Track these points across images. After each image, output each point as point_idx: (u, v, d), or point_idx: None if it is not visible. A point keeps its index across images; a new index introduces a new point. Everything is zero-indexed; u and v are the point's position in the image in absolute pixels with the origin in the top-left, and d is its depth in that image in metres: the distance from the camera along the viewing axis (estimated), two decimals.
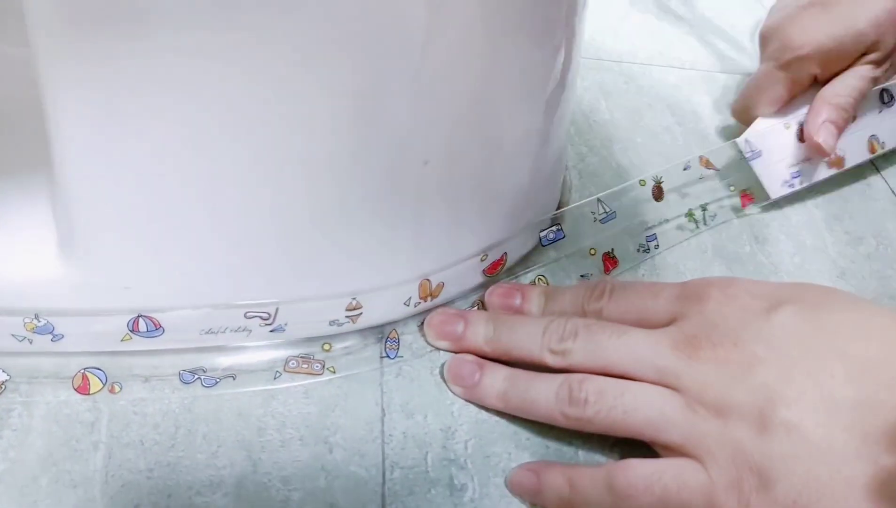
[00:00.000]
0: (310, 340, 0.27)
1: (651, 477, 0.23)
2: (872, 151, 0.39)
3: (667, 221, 0.35)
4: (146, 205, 0.23)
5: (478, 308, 0.30)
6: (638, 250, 0.34)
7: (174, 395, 0.26)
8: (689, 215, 0.35)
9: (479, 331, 0.28)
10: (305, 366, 0.27)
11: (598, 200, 0.33)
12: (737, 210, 0.36)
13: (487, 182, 0.28)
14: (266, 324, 0.26)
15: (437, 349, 0.28)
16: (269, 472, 0.24)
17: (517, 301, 0.30)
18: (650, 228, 0.34)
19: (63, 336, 0.25)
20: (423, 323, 0.29)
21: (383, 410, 0.27)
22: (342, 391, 0.27)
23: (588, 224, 0.33)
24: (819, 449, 0.22)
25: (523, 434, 0.27)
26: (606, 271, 0.33)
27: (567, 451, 0.26)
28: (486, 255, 0.30)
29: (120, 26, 0.19)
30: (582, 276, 0.32)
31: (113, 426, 0.25)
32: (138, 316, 0.25)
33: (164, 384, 0.26)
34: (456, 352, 0.28)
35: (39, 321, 0.25)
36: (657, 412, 0.24)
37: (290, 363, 0.27)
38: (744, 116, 0.38)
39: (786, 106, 0.38)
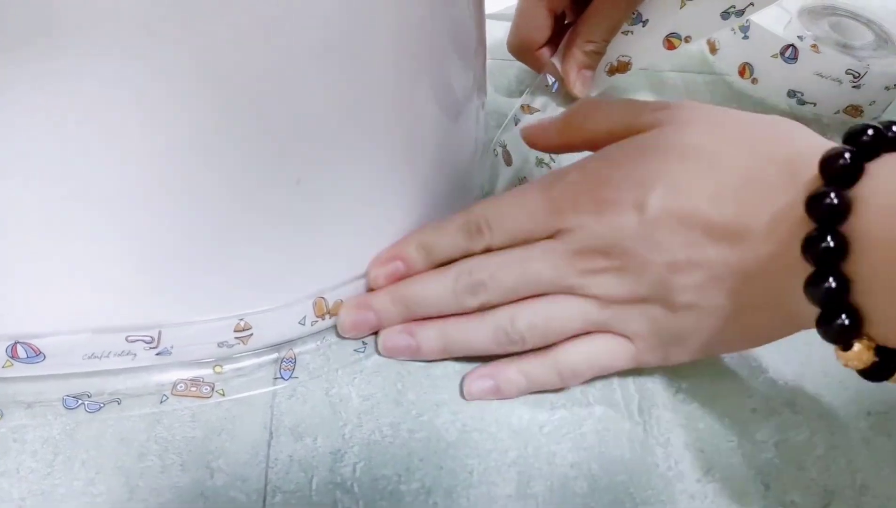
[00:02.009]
0: (200, 362, 0.27)
1: (590, 359, 0.28)
2: (671, 47, 0.39)
3: None
4: (13, 231, 0.23)
5: None
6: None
7: (56, 421, 0.25)
8: (538, 161, 0.36)
9: (392, 314, 0.29)
10: (194, 389, 0.27)
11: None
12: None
13: (375, 203, 0.27)
14: (150, 348, 0.26)
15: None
16: (145, 499, 0.24)
17: (400, 266, 0.29)
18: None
19: None
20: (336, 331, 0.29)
21: (271, 433, 0.26)
22: (230, 415, 0.26)
23: None
24: (717, 318, 0.27)
25: (416, 456, 0.26)
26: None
27: (461, 473, 0.26)
28: None
29: None
30: None
31: None
32: (15, 342, 0.25)
33: (47, 409, 0.25)
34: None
35: None
36: (583, 322, 0.28)
37: (179, 387, 0.27)
38: (520, 53, 0.40)
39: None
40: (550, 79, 0.38)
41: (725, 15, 0.38)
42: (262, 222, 0.25)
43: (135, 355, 0.26)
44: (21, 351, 0.25)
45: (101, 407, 0.26)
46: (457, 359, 0.29)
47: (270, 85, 0.22)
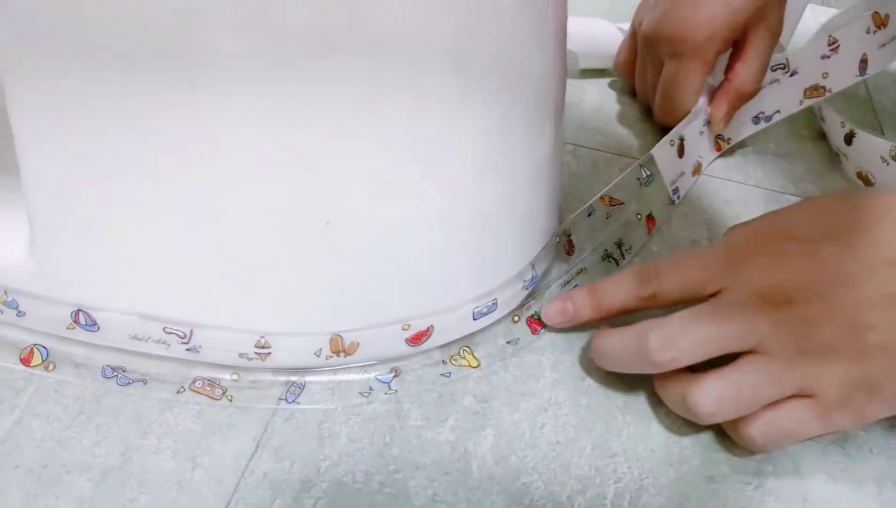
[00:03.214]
0: (222, 366, 0.30)
1: (769, 426, 0.28)
2: (719, 149, 0.43)
3: (682, 173, 0.40)
4: (88, 218, 0.27)
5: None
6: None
7: (92, 385, 0.29)
8: (605, 255, 0.36)
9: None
10: (209, 389, 0.30)
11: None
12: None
13: (405, 251, 0.29)
14: (182, 342, 0.29)
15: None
16: (133, 473, 0.27)
17: (569, 306, 0.32)
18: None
19: (25, 314, 0.30)
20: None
21: (257, 447, 0.28)
22: (230, 420, 0.29)
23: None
24: None
25: None
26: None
27: None
28: (409, 325, 0.30)
29: (74, 63, 0.24)
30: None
31: (34, 397, 0.29)
32: (79, 310, 0.29)
33: (89, 373, 0.30)
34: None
35: (7, 297, 0.30)
36: (773, 384, 0.28)
37: (197, 383, 0.30)
38: (668, 118, 0.42)
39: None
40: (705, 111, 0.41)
41: (756, 120, 0.42)
42: (288, 256, 0.27)
43: (168, 345, 0.29)
44: (82, 318, 0.29)
45: (129, 383, 0.29)
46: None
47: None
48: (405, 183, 0.27)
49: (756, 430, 0.28)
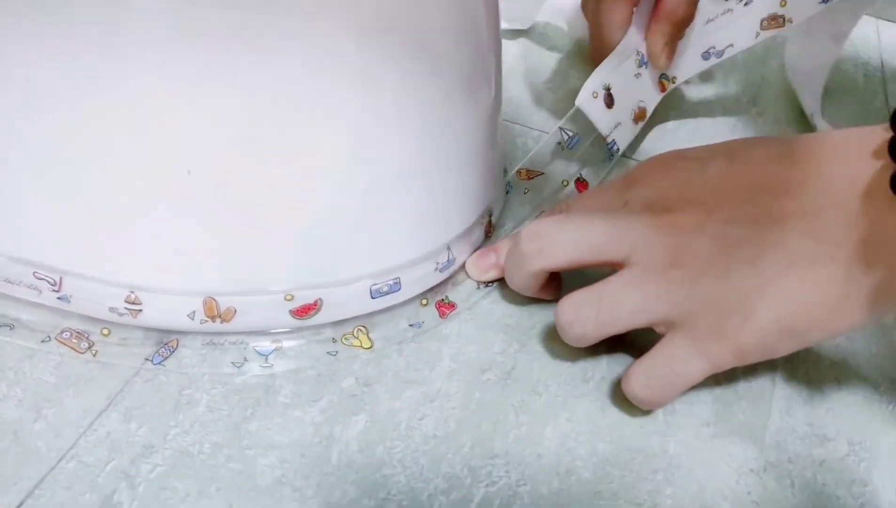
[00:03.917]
0: (94, 320, 0.28)
1: (650, 375, 0.27)
2: (663, 89, 0.39)
3: (619, 124, 0.36)
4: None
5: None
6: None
7: None
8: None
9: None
10: (75, 341, 0.28)
11: (560, 128, 0.35)
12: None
13: (280, 212, 0.27)
14: (53, 290, 0.28)
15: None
16: None
17: (492, 257, 0.32)
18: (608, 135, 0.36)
19: None
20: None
21: (109, 405, 0.26)
22: (89, 375, 0.27)
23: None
24: (782, 266, 0.25)
25: (217, 484, 0.25)
26: None
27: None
28: (293, 296, 0.28)
29: None
30: None
31: None
32: None
33: None
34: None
35: None
36: (638, 297, 0.27)
37: (64, 334, 0.28)
38: (599, 58, 0.37)
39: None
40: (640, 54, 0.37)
41: (706, 55, 0.38)
42: (162, 205, 0.26)
43: (40, 291, 0.28)
44: None
45: None
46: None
47: None
48: (274, 135, 0.25)
49: (635, 381, 0.27)
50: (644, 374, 0.27)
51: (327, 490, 0.25)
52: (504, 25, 0.45)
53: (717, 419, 0.28)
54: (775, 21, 0.37)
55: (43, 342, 0.28)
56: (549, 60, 0.46)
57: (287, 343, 0.29)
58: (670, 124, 0.42)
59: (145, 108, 0.24)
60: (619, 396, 0.28)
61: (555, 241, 0.28)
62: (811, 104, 0.41)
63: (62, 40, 0.23)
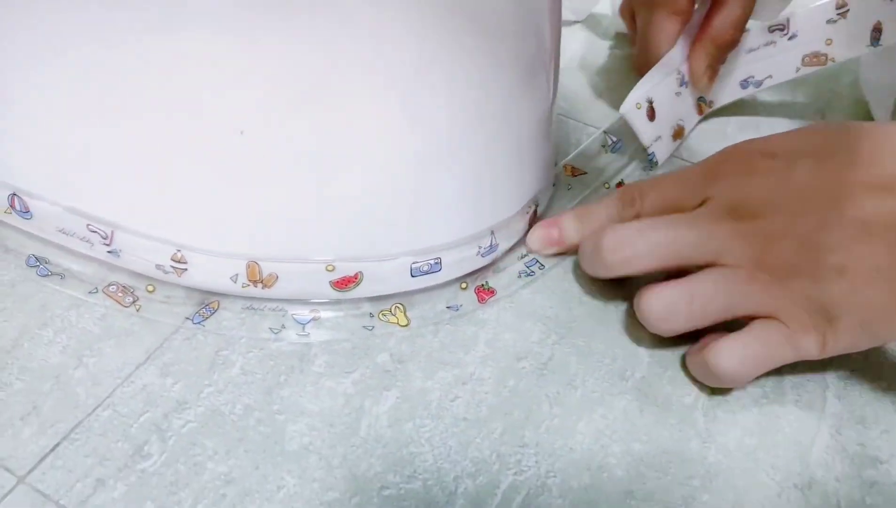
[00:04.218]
0: (141, 276, 0.29)
1: (743, 352, 0.27)
2: (700, 112, 0.39)
3: (659, 137, 0.36)
4: (26, 104, 0.27)
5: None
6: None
7: (14, 271, 0.29)
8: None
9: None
10: (120, 295, 0.29)
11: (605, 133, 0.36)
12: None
13: (328, 179, 0.26)
14: (104, 243, 0.29)
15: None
16: (18, 359, 0.26)
17: (554, 232, 0.32)
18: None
19: None
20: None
21: (147, 359, 0.27)
22: (130, 328, 0.28)
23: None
24: (867, 279, 0.25)
25: (245, 446, 0.25)
26: None
27: (271, 484, 0.24)
28: (334, 267, 0.28)
29: None
30: None
31: None
32: (14, 194, 0.29)
33: (15, 260, 0.29)
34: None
35: None
36: (727, 295, 0.27)
37: (111, 288, 0.29)
38: (649, 67, 0.38)
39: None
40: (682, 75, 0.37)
41: (745, 84, 0.38)
42: (212, 165, 0.26)
43: (92, 244, 0.29)
44: (17, 203, 0.29)
45: (48, 275, 0.29)
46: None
47: None
48: (328, 99, 0.25)
49: (728, 356, 0.27)
50: (738, 351, 0.27)
51: (353, 461, 0.25)
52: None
53: (762, 431, 0.27)
54: (817, 59, 0.37)
55: (90, 293, 0.29)
56: (606, 54, 0.45)
57: (325, 314, 0.29)
58: (731, 128, 0.40)
59: (202, 65, 0.24)
60: (660, 397, 0.28)
61: (638, 252, 0.28)
62: (883, 117, 0.39)
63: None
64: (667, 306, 0.28)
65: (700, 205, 0.29)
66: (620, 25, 0.46)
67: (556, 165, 0.36)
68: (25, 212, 0.29)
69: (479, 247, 0.30)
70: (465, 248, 0.30)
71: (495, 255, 0.31)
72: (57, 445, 0.24)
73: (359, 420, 0.26)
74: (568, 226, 0.32)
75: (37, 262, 0.29)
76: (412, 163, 0.27)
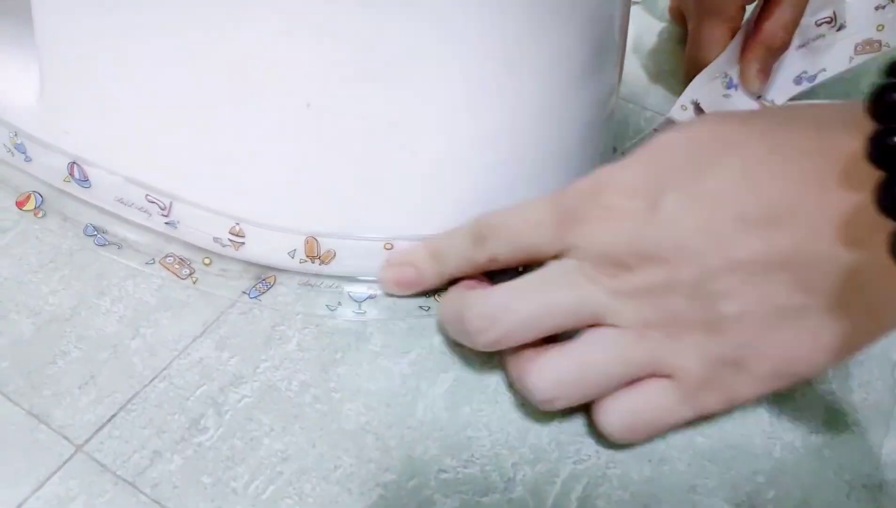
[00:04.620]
0: (198, 248, 0.29)
1: (633, 418, 0.24)
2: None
3: None
4: (89, 73, 0.27)
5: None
6: None
7: (72, 240, 0.29)
8: None
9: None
10: (177, 267, 0.28)
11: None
12: None
13: (393, 156, 0.26)
14: (162, 214, 0.28)
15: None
16: (75, 327, 0.26)
17: (410, 272, 0.28)
18: None
19: (31, 159, 0.30)
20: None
21: (203, 332, 0.27)
22: (187, 300, 0.27)
23: None
24: (769, 320, 0.23)
25: (301, 423, 0.24)
26: None
27: (329, 462, 0.23)
28: (392, 245, 0.28)
29: None
30: None
31: (15, 238, 0.29)
32: (74, 162, 0.29)
33: (73, 228, 0.29)
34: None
35: (18, 139, 0.30)
36: (622, 361, 0.24)
37: (168, 259, 0.29)
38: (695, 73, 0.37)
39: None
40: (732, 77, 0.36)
41: (798, 80, 0.37)
42: (275, 138, 0.26)
43: (150, 214, 0.29)
44: (77, 172, 0.29)
45: (106, 244, 0.29)
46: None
47: None
48: (393, 74, 0.24)
49: (612, 418, 0.24)
50: (624, 412, 0.24)
51: (410, 443, 0.24)
52: None
53: (829, 429, 0.26)
54: (870, 46, 0.36)
55: (147, 264, 0.28)
56: (663, 37, 0.44)
57: (383, 293, 0.28)
58: None
59: (270, 35, 0.24)
60: None
61: (510, 331, 0.24)
62: None
63: None
64: (556, 384, 0.24)
65: (557, 255, 0.25)
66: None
67: (614, 151, 0.35)
68: (84, 181, 0.29)
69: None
70: None
71: None
72: (114, 416, 0.24)
73: (415, 402, 0.26)
74: (423, 266, 0.28)
75: (94, 231, 0.29)
76: (470, 144, 0.26)
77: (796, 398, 0.27)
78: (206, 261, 0.29)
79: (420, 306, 0.28)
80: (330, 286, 0.28)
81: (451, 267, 0.27)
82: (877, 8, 0.36)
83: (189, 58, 0.25)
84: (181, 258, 0.29)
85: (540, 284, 0.25)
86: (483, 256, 0.26)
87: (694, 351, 0.24)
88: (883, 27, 0.36)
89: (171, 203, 0.28)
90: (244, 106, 0.25)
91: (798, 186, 0.22)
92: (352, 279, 0.28)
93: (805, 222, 0.22)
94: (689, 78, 0.37)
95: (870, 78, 0.43)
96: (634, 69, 0.41)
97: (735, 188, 0.23)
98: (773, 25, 0.35)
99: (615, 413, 0.24)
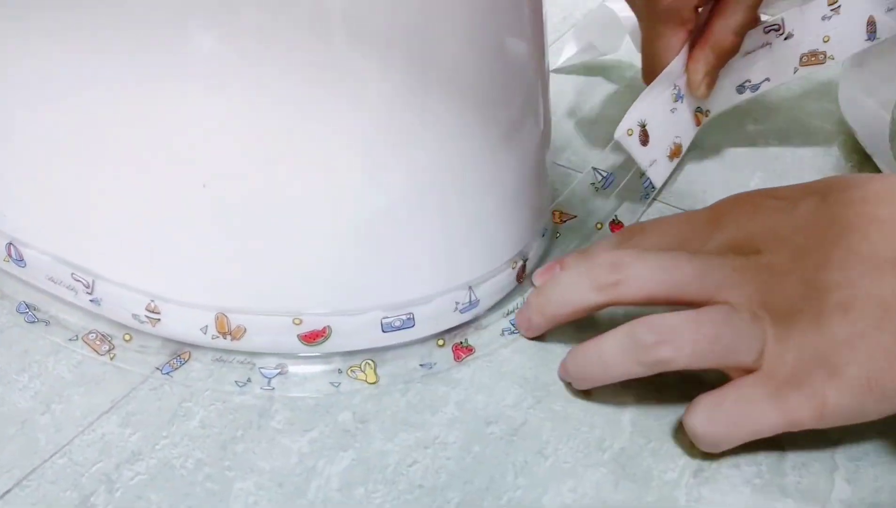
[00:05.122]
0: (120, 325, 0.29)
1: (716, 410, 0.25)
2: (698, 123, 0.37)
3: (654, 161, 0.34)
4: (18, 157, 0.28)
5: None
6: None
7: (5, 317, 0.30)
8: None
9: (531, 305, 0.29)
10: (98, 343, 0.29)
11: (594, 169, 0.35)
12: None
13: (292, 232, 0.26)
14: (87, 292, 0.29)
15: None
16: None
17: (558, 269, 0.30)
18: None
19: None
20: None
21: (111, 408, 0.27)
22: (102, 376, 0.28)
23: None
24: (876, 318, 0.23)
25: (189, 501, 0.24)
26: None
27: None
28: (301, 320, 0.28)
29: None
30: None
31: None
32: (10, 243, 0.30)
33: (7, 306, 0.30)
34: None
35: None
36: (733, 334, 0.25)
37: (90, 335, 0.29)
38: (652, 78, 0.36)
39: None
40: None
41: (741, 88, 0.37)
42: (178, 217, 0.26)
43: (76, 292, 0.30)
44: (13, 252, 0.30)
45: (35, 321, 0.30)
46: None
47: None
48: (287, 149, 0.25)
49: (698, 414, 0.25)
50: (708, 409, 0.25)
51: None
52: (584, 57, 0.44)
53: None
54: (815, 57, 0.36)
55: (70, 340, 0.29)
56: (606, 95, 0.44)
57: (293, 369, 0.28)
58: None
59: (173, 117, 0.25)
60: (639, 471, 0.25)
61: (635, 275, 0.27)
62: (868, 143, 0.38)
63: (87, 43, 0.24)
64: (664, 332, 0.25)
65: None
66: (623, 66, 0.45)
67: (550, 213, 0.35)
68: (20, 260, 0.30)
69: (457, 303, 0.29)
70: (440, 303, 0.29)
71: (476, 311, 0.30)
72: (8, 491, 0.25)
73: (309, 481, 0.25)
74: (571, 262, 0.30)
75: (26, 308, 0.30)
76: (376, 214, 0.27)
77: (719, 478, 0.25)
78: (127, 337, 0.29)
79: (331, 383, 0.28)
80: (242, 362, 0.29)
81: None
82: (823, 18, 0.35)
83: (100, 137, 0.26)
84: (103, 335, 0.29)
85: (670, 252, 0.27)
86: (630, 245, 0.29)
87: (792, 342, 0.24)
88: (829, 39, 0.36)
89: (93, 281, 0.29)
90: (150, 185, 0.26)
91: None
92: (265, 355, 0.29)
93: None
94: (647, 83, 0.36)
95: (815, 96, 0.42)
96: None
97: (867, 198, 0.25)
98: (724, 27, 0.34)
99: (701, 407, 0.25)
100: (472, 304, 0.30)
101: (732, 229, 0.27)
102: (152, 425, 0.27)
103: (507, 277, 0.31)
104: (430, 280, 0.29)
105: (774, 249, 0.26)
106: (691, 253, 0.27)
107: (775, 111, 0.42)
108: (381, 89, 0.25)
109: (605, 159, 0.35)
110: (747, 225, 0.27)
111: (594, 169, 0.35)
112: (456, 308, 0.29)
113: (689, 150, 0.37)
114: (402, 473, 0.25)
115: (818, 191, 0.27)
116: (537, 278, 0.31)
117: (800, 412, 0.24)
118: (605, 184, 0.34)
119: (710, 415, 0.25)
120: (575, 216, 0.34)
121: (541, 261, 0.33)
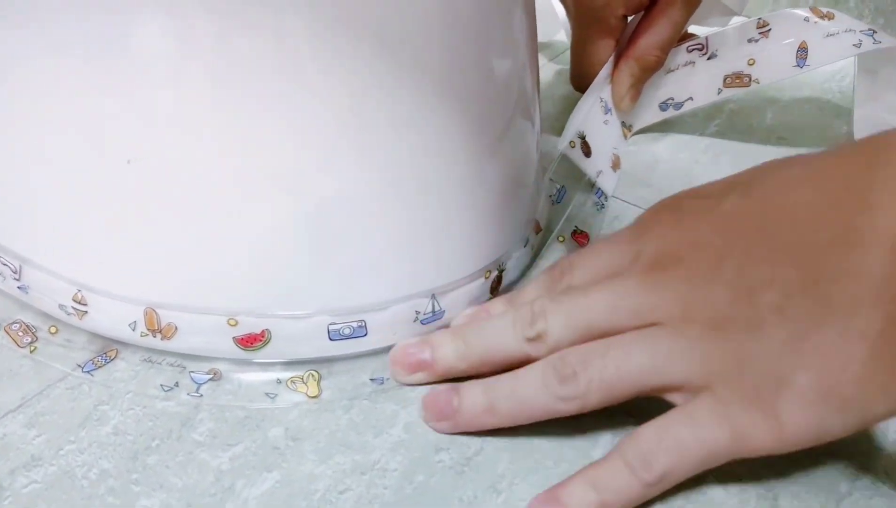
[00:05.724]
0: (48, 316, 0.27)
1: (660, 433, 0.22)
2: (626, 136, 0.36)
3: (601, 172, 0.33)
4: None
5: None
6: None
7: None
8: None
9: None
10: (21, 334, 0.26)
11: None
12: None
13: (226, 219, 0.23)
14: (14, 277, 0.27)
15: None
16: None
17: (426, 355, 0.26)
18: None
19: None
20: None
21: (20, 406, 0.24)
22: (18, 370, 0.25)
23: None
24: (814, 314, 0.21)
25: None
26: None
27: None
28: (237, 321, 0.25)
29: None
30: None
31: None
32: None
33: None
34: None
35: None
36: (648, 354, 0.23)
37: (14, 326, 0.27)
38: (583, 84, 0.35)
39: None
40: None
41: (664, 106, 0.37)
42: (102, 197, 0.24)
43: (4, 277, 0.27)
44: None
45: None
46: None
47: None
48: (221, 125, 0.22)
49: (644, 438, 0.22)
50: (656, 432, 0.22)
51: None
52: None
53: None
54: (740, 79, 0.35)
55: None
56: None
57: (228, 375, 0.25)
58: None
59: (97, 93, 0.23)
60: None
61: (555, 323, 0.24)
62: None
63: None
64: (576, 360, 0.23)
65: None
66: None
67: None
68: None
69: (417, 312, 0.26)
70: (397, 311, 0.26)
71: (440, 323, 0.27)
72: None
73: (223, 503, 0.22)
74: (498, 309, 0.27)
75: None
76: (325, 207, 0.24)
77: None
78: (53, 330, 0.27)
79: (266, 393, 0.25)
80: (172, 364, 0.26)
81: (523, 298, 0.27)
82: (750, 41, 0.35)
83: (22, 114, 0.24)
84: (27, 326, 0.27)
85: (585, 292, 0.25)
86: (562, 287, 0.26)
87: (729, 355, 0.22)
88: (754, 62, 0.35)
89: (20, 266, 0.26)
90: (74, 164, 0.24)
91: (854, 180, 0.21)
92: (198, 358, 0.26)
93: (863, 205, 0.21)
94: (577, 89, 0.36)
95: (744, 116, 0.40)
96: None
97: (791, 185, 0.23)
98: (649, 43, 0.33)
99: (645, 433, 0.22)
100: (436, 314, 0.26)
101: (654, 244, 0.24)
102: (60, 428, 0.24)
103: (479, 287, 0.27)
104: (387, 284, 0.25)
105: (695, 257, 0.23)
106: (610, 284, 0.24)
107: (800, 131, 0.39)
108: (330, 66, 0.22)
109: (557, 171, 0.33)
110: (668, 235, 0.24)
111: (551, 180, 0.33)
112: (416, 318, 0.26)
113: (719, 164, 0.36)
114: (329, 501, 0.22)
115: (742, 183, 0.24)
116: (396, 357, 0.26)
117: (755, 435, 0.21)
118: (558, 198, 0.33)
119: (657, 439, 0.22)
120: (541, 229, 0.31)
121: (522, 273, 0.30)
